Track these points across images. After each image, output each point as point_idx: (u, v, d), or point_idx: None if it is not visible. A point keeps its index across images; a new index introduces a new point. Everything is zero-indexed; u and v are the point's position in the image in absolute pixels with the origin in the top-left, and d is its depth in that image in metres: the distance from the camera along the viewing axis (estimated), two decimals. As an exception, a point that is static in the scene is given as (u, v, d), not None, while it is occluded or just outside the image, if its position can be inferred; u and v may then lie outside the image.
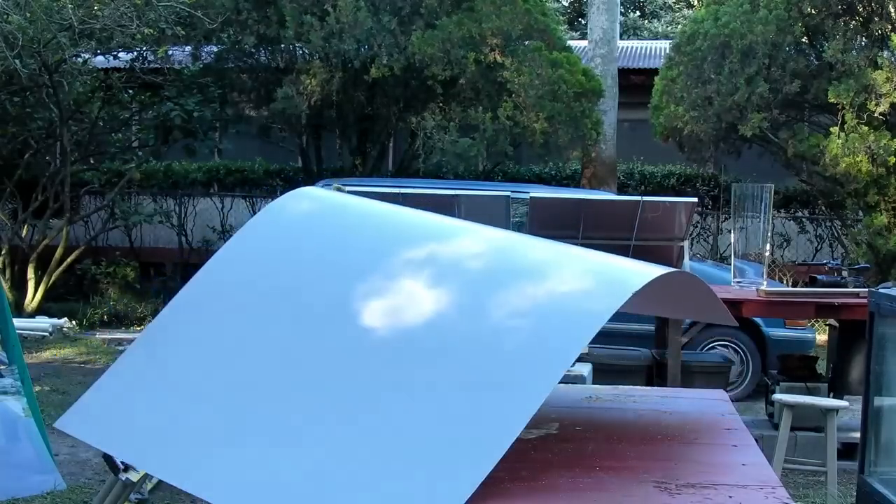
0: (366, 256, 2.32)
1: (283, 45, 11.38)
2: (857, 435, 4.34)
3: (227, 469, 1.87)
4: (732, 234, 6.07)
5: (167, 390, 2.10)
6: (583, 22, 22.86)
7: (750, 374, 8.00)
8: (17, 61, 9.04)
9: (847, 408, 5.26)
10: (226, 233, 13.53)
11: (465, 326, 2.03)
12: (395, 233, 2.46)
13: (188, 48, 11.71)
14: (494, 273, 2.20)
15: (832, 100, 9.77)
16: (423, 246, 2.33)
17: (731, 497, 1.83)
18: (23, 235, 11.62)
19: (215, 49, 11.65)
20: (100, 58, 11.29)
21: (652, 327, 6.55)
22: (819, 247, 13.06)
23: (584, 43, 14.42)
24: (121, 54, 11.13)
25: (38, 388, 6.48)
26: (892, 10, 10.04)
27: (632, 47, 17.85)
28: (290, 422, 1.93)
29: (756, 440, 2.38)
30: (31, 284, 11.21)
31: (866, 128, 9.61)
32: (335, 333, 2.09)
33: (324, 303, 2.19)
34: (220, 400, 2.04)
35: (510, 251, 2.35)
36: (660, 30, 24.38)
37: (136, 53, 11.31)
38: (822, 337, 9.28)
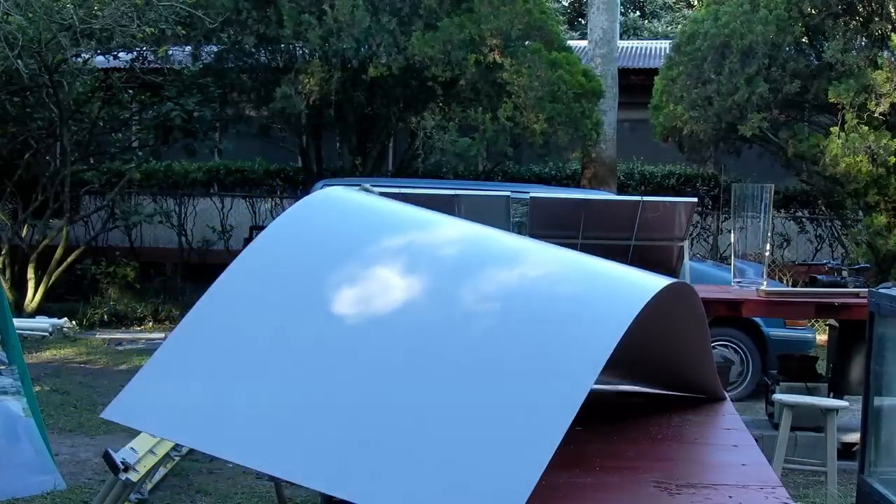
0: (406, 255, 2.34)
1: (282, 45, 11.39)
2: (857, 435, 4.34)
3: (287, 445, 1.90)
4: (732, 234, 6.06)
5: (214, 373, 2.12)
6: (583, 22, 22.86)
7: (750, 374, 8.00)
8: (17, 61, 9.04)
9: (847, 408, 5.26)
10: (226, 233, 13.54)
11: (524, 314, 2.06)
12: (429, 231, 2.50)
13: (188, 48, 11.72)
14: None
15: (832, 100, 9.78)
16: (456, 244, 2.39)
17: (731, 497, 1.83)
18: (23, 235, 11.63)
19: (215, 49, 11.66)
20: (100, 58, 11.29)
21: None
22: (819, 247, 13.06)
23: (584, 43, 14.42)
24: (121, 54, 11.14)
25: (38, 388, 6.49)
26: (892, 10, 10.05)
27: (632, 47, 17.85)
28: (337, 409, 1.96)
29: (756, 440, 2.38)
30: (31, 284, 11.21)
31: (866, 128, 9.62)
32: (374, 326, 2.12)
33: (363, 296, 2.21)
34: (273, 381, 2.06)
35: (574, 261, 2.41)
36: (660, 30, 24.39)
37: (136, 53, 11.32)
38: (822, 337, 9.28)
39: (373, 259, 2.32)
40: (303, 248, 2.42)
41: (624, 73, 13.57)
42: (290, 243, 2.44)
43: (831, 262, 6.88)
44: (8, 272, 11.41)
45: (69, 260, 11.52)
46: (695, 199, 5.90)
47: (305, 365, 2.08)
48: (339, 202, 2.59)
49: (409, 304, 2.15)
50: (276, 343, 2.15)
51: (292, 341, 2.15)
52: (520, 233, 6.23)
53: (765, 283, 5.96)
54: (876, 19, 10.12)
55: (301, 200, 2.56)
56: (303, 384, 2.03)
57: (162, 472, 5.07)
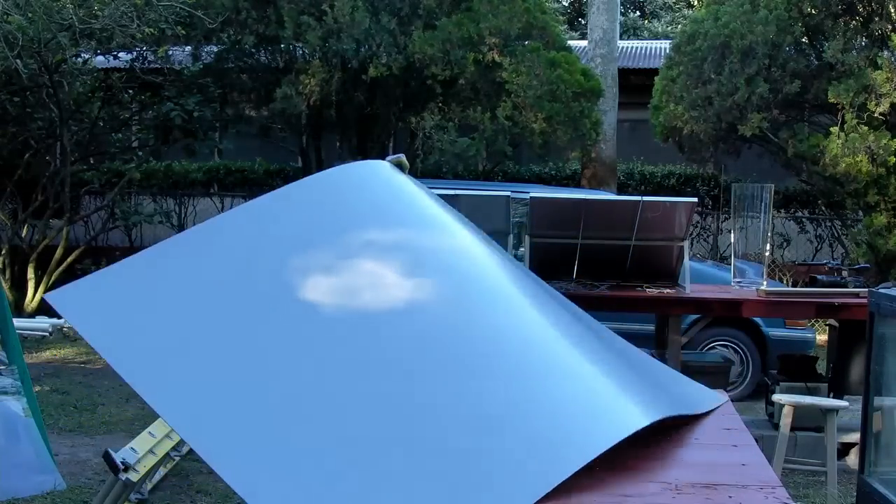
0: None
1: (282, 45, 11.39)
2: (857, 435, 4.34)
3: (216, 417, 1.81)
4: (732, 234, 6.06)
5: (168, 309, 1.99)
6: (583, 22, 22.86)
7: (750, 374, 8.00)
8: (17, 61, 9.03)
9: (847, 408, 5.26)
10: (226, 233, 13.52)
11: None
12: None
13: (188, 48, 11.71)
14: None
15: (832, 100, 9.77)
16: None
17: (731, 497, 1.83)
18: (23, 235, 11.62)
19: (215, 49, 11.65)
20: (100, 58, 11.28)
21: (652, 327, 6.55)
22: (819, 247, 13.05)
23: (584, 43, 14.42)
24: (121, 54, 11.12)
25: (38, 388, 6.49)
26: (892, 10, 10.04)
27: (632, 47, 17.85)
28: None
29: (756, 440, 2.37)
30: (31, 284, 11.21)
31: (866, 128, 9.61)
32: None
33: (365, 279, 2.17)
34: (228, 342, 1.95)
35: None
36: (660, 30, 24.39)
37: (136, 53, 11.30)
38: (822, 337, 9.28)
39: (352, 251, 2.23)
40: (307, 218, 2.30)
41: (624, 73, 13.56)
42: (299, 209, 2.33)
43: (831, 262, 6.88)
44: (8, 272, 11.40)
45: (69, 260, 11.51)
46: (695, 199, 5.88)
47: (267, 350, 1.95)
48: (370, 176, 2.51)
49: (409, 303, 2.13)
50: (235, 309, 2.00)
51: (253, 318, 2.00)
52: (520, 233, 6.23)
53: (765, 283, 5.96)
54: (876, 19, 10.11)
55: (335, 167, 2.48)
56: (256, 370, 1.89)
57: (162, 472, 5.07)
